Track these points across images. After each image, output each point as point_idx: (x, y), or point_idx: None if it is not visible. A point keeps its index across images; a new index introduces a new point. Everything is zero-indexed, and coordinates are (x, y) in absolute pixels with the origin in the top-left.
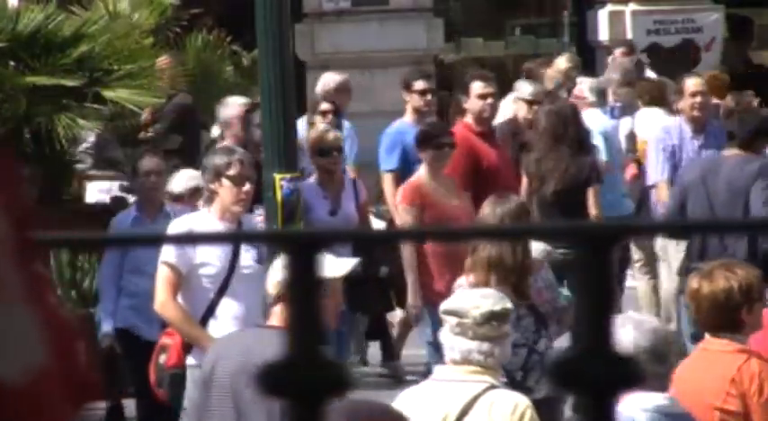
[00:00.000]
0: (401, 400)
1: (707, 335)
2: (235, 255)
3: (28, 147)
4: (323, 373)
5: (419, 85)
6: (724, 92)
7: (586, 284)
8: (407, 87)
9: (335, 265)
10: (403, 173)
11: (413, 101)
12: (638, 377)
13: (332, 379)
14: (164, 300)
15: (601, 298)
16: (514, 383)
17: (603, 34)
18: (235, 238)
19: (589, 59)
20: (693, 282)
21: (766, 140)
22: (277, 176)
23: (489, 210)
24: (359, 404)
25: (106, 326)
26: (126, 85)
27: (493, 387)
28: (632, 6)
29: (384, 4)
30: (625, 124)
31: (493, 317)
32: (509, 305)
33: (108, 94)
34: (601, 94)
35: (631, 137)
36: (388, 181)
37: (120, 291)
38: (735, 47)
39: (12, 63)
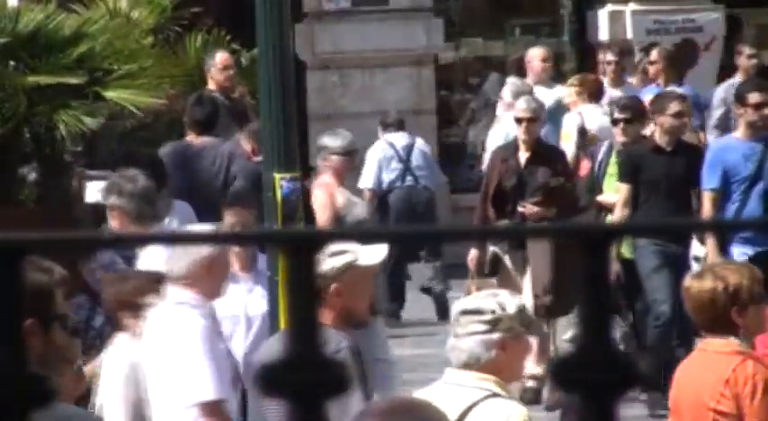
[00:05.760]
0: None
1: (706, 336)
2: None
3: (28, 147)
4: (323, 373)
5: (754, 98)
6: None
7: (585, 284)
8: (742, 101)
9: (369, 253)
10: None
11: (747, 115)
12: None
13: (332, 379)
14: None
15: (599, 298)
16: None
17: (603, 34)
18: (234, 239)
19: (589, 59)
20: (686, 282)
21: None
22: (277, 176)
23: None
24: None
25: None
26: (126, 85)
27: (493, 395)
28: (632, 6)
29: (384, 4)
30: None
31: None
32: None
33: (108, 93)
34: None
35: None
36: (707, 199)
37: None
38: (729, 47)
39: (12, 62)
